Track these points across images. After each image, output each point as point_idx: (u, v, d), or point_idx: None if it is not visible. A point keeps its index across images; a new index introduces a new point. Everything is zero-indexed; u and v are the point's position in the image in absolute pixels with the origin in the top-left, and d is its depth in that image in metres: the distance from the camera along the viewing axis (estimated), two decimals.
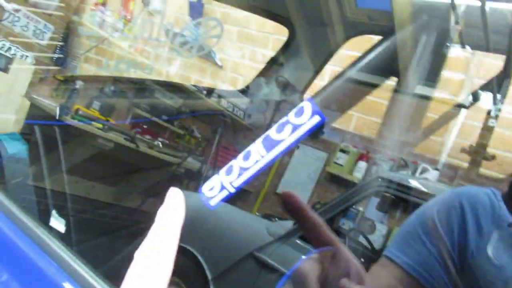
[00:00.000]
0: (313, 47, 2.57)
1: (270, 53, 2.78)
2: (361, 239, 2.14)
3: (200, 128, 3.40)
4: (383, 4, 2.33)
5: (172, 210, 0.32)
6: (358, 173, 3.03)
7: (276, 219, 2.35)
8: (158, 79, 2.92)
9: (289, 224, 1.99)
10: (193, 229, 1.92)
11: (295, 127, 0.46)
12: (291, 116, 0.47)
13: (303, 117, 0.46)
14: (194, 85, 3.00)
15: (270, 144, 0.47)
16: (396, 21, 2.26)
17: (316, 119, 0.46)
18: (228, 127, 3.17)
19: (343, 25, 2.43)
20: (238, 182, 0.50)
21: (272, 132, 0.47)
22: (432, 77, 2.27)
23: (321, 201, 3.17)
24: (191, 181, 3.14)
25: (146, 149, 2.78)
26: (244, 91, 2.90)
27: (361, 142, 3.11)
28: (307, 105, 0.46)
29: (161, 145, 2.98)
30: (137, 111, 2.99)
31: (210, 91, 3.00)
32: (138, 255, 0.30)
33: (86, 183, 2.74)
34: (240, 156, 0.49)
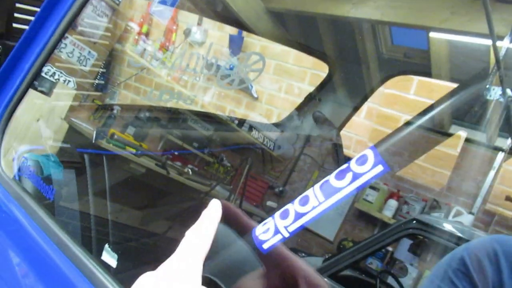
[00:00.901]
0: (352, 83, 2.58)
1: (307, 87, 2.80)
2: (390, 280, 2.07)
3: (230, 156, 3.41)
4: (419, 42, 2.33)
5: (214, 211, 0.49)
6: (388, 211, 2.96)
7: (304, 254, 2.30)
8: (191, 108, 2.97)
9: (318, 261, 1.94)
10: (219, 260, 1.89)
11: (357, 176, 0.44)
12: (352, 164, 0.45)
13: (365, 166, 0.44)
14: (227, 116, 3.04)
15: (329, 191, 0.46)
16: (433, 61, 2.25)
17: (379, 168, 0.44)
18: (258, 157, 3.17)
19: (379, 62, 2.44)
20: (294, 227, 0.48)
21: (331, 179, 0.46)
22: (470, 119, 2.23)
23: (348, 238, 3.10)
24: None
25: (176, 176, 2.80)
26: (280, 124, 2.92)
27: (391, 180, 3.05)
28: (370, 154, 0.44)
29: (190, 172, 2.99)
30: (169, 138, 3.04)
31: (241, 122, 3.02)
32: (189, 232, 0.44)
33: (115, 206, 2.77)
34: (297, 200, 0.48)
